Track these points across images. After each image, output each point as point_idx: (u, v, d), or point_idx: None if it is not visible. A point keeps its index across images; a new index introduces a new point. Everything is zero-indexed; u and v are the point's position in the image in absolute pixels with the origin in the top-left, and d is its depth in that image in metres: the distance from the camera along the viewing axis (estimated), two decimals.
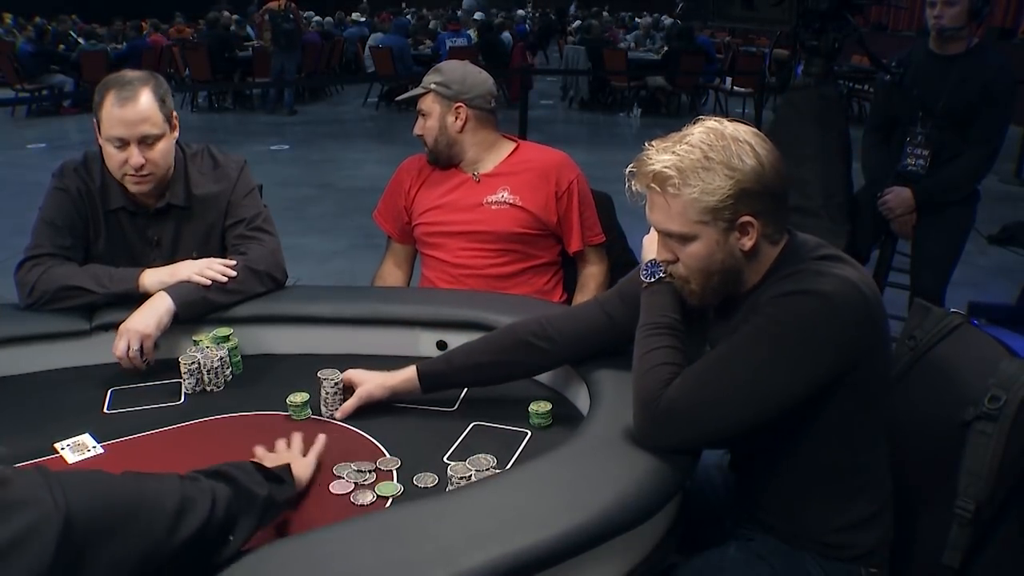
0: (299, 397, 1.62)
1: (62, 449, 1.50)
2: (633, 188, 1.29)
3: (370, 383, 1.61)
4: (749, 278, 1.33)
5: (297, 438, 1.47)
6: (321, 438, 1.45)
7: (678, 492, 1.32)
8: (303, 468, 1.37)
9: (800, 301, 1.24)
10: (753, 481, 1.45)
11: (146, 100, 1.82)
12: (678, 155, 1.24)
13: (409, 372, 1.61)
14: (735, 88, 10.52)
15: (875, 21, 13.06)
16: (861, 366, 1.27)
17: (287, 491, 1.27)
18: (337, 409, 1.61)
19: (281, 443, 1.46)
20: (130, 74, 1.87)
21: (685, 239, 1.28)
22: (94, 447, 1.51)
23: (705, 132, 1.25)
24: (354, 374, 1.63)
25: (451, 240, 2.23)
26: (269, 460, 1.37)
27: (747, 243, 1.27)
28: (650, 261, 1.42)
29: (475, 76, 2.23)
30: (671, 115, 11.04)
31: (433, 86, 2.21)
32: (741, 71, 10.45)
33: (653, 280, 1.41)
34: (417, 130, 2.25)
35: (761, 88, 7.95)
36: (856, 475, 1.35)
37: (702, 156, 1.22)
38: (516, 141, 2.33)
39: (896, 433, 1.42)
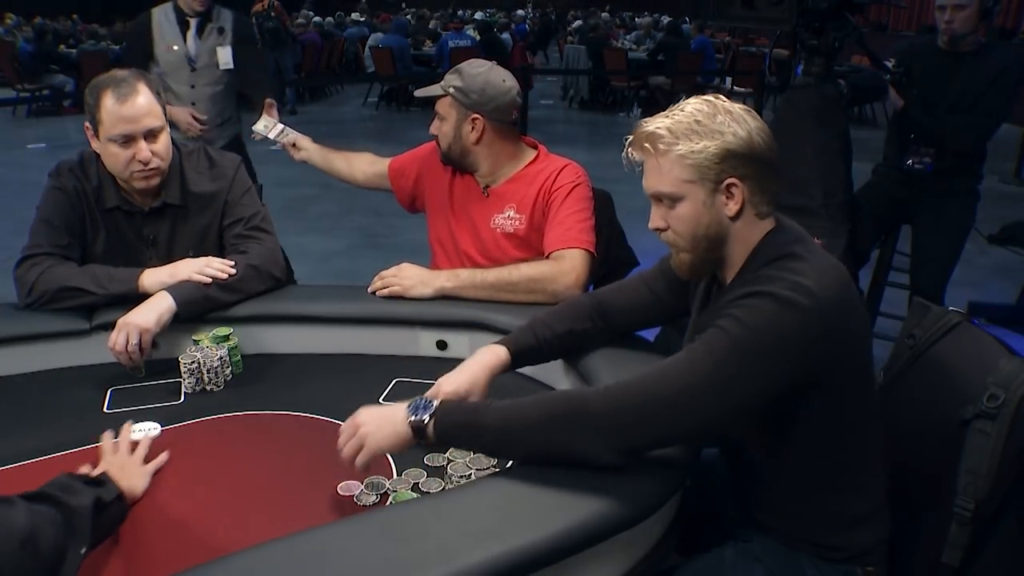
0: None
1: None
2: (630, 154, 1.36)
3: (475, 397, 1.49)
4: (734, 252, 1.34)
5: (142, 447, 1.45)
6: (164, 455, 1.45)
7: (677, 491, 1.33)
8: (137, 477, 1.36)
9: (763, 306, 1.21)
10: (746, 482, 1.45)
11: (145, 94, 1.84)
12: (671, 119, 1.32)
13: (498, 359, 1.56)
14: (735, 88, 10.51)
15: (875, 21, 13.05)
16: (832, 372, 1.25)
17: (111, 491, 1.23)
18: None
19: (117, 449, 1.42)
20: (120, 73, 1.88)
21: (674, 200, 1.32)
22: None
23: (699, 102, 1.33)
24: (453, 390, 1.48)
25: (456, 257, 2.17)
26: (112, 466, 1.34)
27: (733, 207, 1.30)
28: (419, 397, 1.32)
29: (497, 86, 2.06)
30: None
31: (452, 90, 2.07)
32: (741, 71, 10.45)
33: (416, 417, 1.29)
34: (432, 130, 2.16)
35: (761, 88, 7.95)
36: (846, 474, 1.35)
37: (693, 120, 1.30)
38: (537, 148, 2.18)
39: (895, 432, 1.42)
